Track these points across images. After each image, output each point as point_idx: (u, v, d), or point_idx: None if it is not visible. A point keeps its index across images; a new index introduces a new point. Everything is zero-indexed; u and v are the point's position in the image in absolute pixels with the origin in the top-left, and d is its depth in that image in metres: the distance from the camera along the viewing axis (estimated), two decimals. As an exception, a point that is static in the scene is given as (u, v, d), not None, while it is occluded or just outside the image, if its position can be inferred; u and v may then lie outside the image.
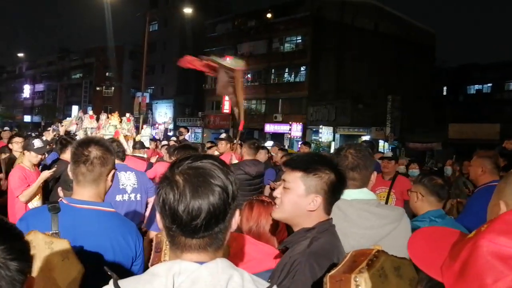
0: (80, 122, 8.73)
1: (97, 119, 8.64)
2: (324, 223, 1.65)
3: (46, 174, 4.51)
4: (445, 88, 44.41)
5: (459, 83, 42.33)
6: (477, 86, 42.86)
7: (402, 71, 34.87)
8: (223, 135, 8.19)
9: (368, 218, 2.02)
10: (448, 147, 22.75)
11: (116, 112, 8.81)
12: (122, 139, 7.49)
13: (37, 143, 4.77)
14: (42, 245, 1.58)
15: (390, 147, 26.65)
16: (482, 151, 3.89)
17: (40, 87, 66.41)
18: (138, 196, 4.16)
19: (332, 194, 1.66)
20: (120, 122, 8.44)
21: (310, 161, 1.69)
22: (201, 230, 1.04)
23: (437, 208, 2.86)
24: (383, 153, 7.19)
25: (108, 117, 8.59)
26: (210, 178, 1.05)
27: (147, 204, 4.36)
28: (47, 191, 4.85)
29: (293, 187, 1.66)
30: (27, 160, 4.75)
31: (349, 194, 2.04)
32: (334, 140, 30.18)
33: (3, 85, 75.71)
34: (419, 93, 34.92)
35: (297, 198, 1.65)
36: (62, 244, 1.61)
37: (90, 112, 9.11)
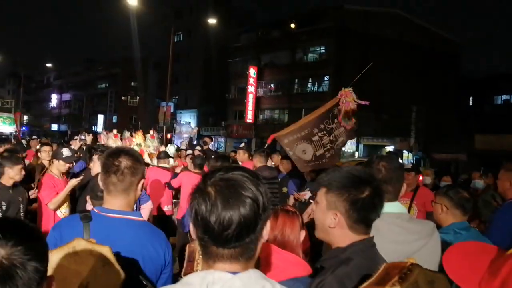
0: (105, 141, 8.84)
1: (121, 139, 8.72)
2: (358, 244, 1.58)
3: (74, 182, 4.63)
4: (471, 98, 43.58)
5: (485, 93, 41.43)
6: (504, 96, 41.90)
7: (427, 81, 34.42)
8: (242, 145, 8.31)
9: (399, 232, 1.99)
10: (474, 158, 22.29)
11: (140, 131, 8.87)
12: (146, 157, 7.60)
13: (65, 152, 4.91)
14: (85, 251, 1.63)
15: (414, 158, 26.27)
16: (510, 164, 3.80)
17: (67, 96, 68.02)
18: None
19: (358, 212, 1.57)
20: (144, 140, 8.52)
21: (335, 177, 1.64)
22: (233, 241, 1.06)
23: (461, 221, 2.81)
24: (404, 164, 7.08)
25: (132, 135, 8.67)
26: (241, 189, 1.07)
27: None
28: (74, 198, 4.97)
29: (319, 203, 1.67)
30: (56, 168, 4.87)
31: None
32: (357, 150, 29.92)
33: (31, 94, 77.80)
34: (444, 104, 34.41)
35: (321, 214, 1.64)
36: (103, 251, 1.65)
37: (115, 131, 9.19)
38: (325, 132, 4.81)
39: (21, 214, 4.18)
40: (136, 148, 7.86)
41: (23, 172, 4.27)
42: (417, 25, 37.41)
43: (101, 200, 2.54)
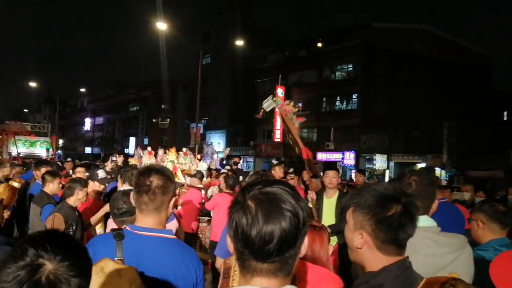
0: (139, 158, 9.02)
1: (155, 155, 8.90)
2: (390, 268, 1.49)
3: (107, 208, 4.70)
4: (505, 113, 42.37)
5: (520, 107, 40.25)
6: (540, 110, 40.57)
7: (458, 96, 33.77)
8: (274, 161, 8.39)
9: (430, 245, 1.95)
10: (510, 174, 21.59)
11: (173, 148, 9.03)
12: (179, 174, 7.72)
13: (100, 174, 5.08)
14: (112, 272, 1.67)
15: (447, 175, 25.61)
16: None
17: (100, 120, 69.84)
18: None
19: (385, 232, 1.49)
20: (177, 157, 8.66)
21: (361, 196, 1.59)
22: (273, 255, 1.05)
23: (501, 236, 2.69)
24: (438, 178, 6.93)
25: (165, 153, 8.82)
26: (281, 203, 1.06)
27: None
28: (107, 218, 5.07)
29: (347, 222, 1.63)
30: (91, 189, 5.00)
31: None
32: (388, 168, 29.42)
33: (66, 118, 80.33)
34: (477, 119, 33.58)
35: (349, 234, 1.60)
36: (130, 272, 1.69)
37: (149, 148, 9.40)
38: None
39: (82, 235, 4.33)
40: (170, 165, 8.00)
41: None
42: (446, 40, 36.96)
43: (120, 218, 2.61)
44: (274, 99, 5.18)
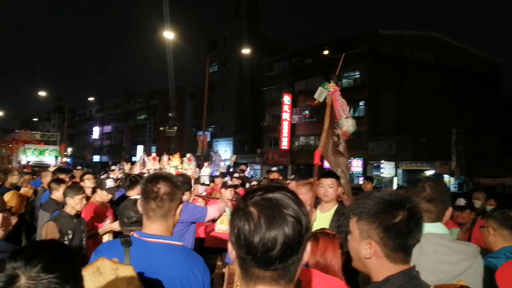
0: (144, 164, 9.09)
1: (159, 161, 8.96)
2: (394, 278, 1.47)
3: (114, 226, 4.67)
4: (515, 119, 42.09)
5: (530, 113, 39.96)
6: (550, 117, 40.23)
7: (466, 103, 33.61)
8: (274, 168, 8.35)
9: (445, 252, 1.94)
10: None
11: (177, 154, 9.08)
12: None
13: (109, 183, 5.11)
14: (109, 271, 1.67)
15: (456, 182, 25.40)
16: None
17: (108, 128, 70.27)
18: None
19: (393, 239, 1.47)
20: (181, 162, 8.70)
21: (365, 204, 1.56)
22: (276, 262, 1.03)
23: None
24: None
25: (169, 158, 8.87)
26: (284, 208, 1.05)
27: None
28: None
29: (352, 232, 1.60)
30: (99, 197, 5.03)
31: (423, 227, 1.99)
32: (396, 175, 29.25)
33: (75, 127, 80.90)
34: (485, 125, 33.38)
35: (355, 244, 1.57)
36: (127, 270, 1.69)
37: (154, 154, 9.46)
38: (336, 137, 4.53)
39: (83, 242, 4.29)
40: (173, 170, 8.04)
41: (84, 202, 4.38)
42: (454, 47, 36.83)
43: (129, 227, 2.61)
44: (325, 85, 4.54)
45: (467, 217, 4.81)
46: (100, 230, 4.69)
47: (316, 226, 3.55)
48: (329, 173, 4.03)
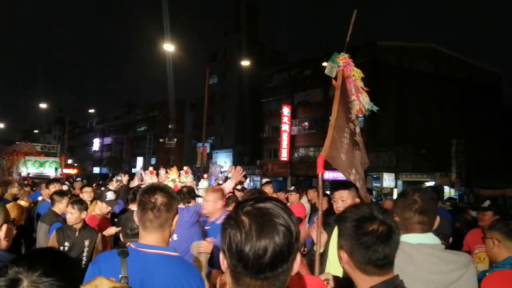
0: (142, 179, 9.15)
1: (157, 174, 8.99)
2: (379, 287, 1.48)
3: (112, 231, 4.69)
4: (515, 129, 42.05)
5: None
6: (552, 127, 40.20)
7: (466, 113, 33.64)
8: (266, 180, 8.36)
9: (436, 262, 1.96)
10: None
11: (175, 167, 9.13)
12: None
13: (109, 195, 5.13)
14: None
15: (457, 194, 25.33)
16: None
17: (108, 140, 70.32)
18: (175, 236, 3.97)
19: (358, 252, 1.48)
20: (179, 175, 8.74)
21: (342, 215, 1.60)
22: (267, 269, 1.05)
23: None
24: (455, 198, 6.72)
25: (167, 172, 8.92)
26: (275, 217, 1.08)
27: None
28: (115, 238, 5.09)
29: (336, 241, 1.64)
30: (99, 209, 5.05)
31: (415, 238, 2.03)
32: (396, 186, 29.20)
33: (75, 139, 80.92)
34: (486, 136, 33.37)
35: (337, 252, 1.62)
36: None
37: (151, 168, 9.51)
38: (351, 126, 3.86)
39: (83, 257, 4.09)
40: (171, 184, 8.07)
41: (83, 216, 4.23)
42: (453, 58, 37.00)
43: (132, 238, 2.62)
44: (335, 59, 4.09)
45: (488, 219, 4.84)
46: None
47: (332, 249, 3.13)
48: (344, 184, 3.72)
